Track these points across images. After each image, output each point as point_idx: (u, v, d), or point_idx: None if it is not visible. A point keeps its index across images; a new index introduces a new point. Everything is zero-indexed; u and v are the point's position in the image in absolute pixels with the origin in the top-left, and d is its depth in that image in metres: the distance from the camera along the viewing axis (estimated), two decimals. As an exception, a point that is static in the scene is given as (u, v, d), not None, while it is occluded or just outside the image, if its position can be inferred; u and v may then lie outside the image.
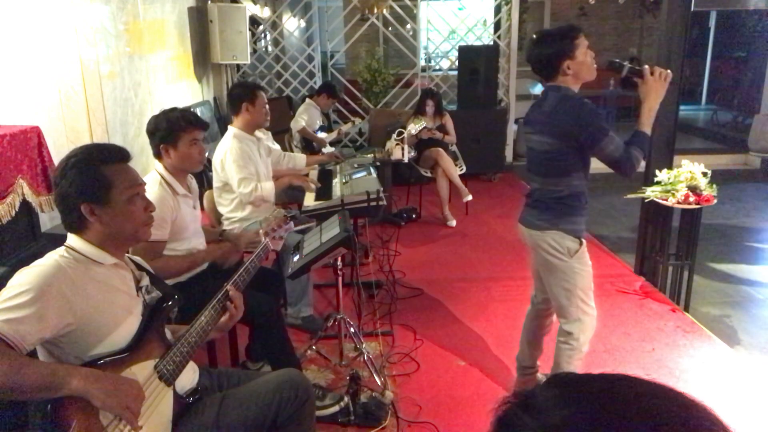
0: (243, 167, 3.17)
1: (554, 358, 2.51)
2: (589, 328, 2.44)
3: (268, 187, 3.23)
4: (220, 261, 2.53)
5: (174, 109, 2.49)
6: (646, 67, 2.24)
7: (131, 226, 1.61)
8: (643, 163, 2.23)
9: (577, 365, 2.47)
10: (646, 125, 2.23)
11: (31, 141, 2.60)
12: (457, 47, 7.31)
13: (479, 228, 5.23)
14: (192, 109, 5.49)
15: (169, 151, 2.42)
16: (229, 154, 3.18)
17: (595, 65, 2.28)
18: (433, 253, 4.66)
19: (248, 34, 6.48)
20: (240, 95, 3.30)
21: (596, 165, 2.28)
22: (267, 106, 3.38)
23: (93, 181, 1.54)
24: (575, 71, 2.23)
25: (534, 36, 2.33)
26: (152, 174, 2.43)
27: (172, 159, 2.43)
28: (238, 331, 2.79)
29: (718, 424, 0.54)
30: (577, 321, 2.41)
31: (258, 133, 4.26)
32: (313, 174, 4.05)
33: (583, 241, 2.35)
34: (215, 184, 3.32)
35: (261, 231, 2.15)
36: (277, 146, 4.48)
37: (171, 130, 2.40)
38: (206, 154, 2.56)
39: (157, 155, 2.45)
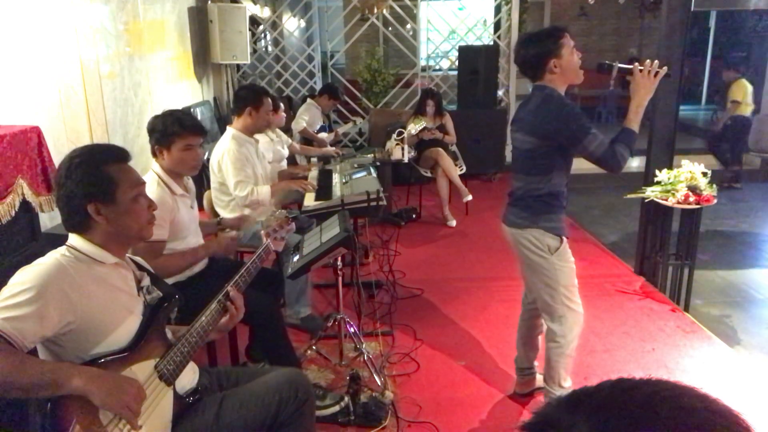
0: (240, 170, 3.17)
1: (545, 357, 2.53)
2: (576, 325, 2.45)
3: (264, 191, 3.23)
4: (219, 254, 2.54)
5: (173, 112, 2.49)
6: (636, 64, 2.24)
7: (137, 225, 1.63)
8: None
9: (567, 362, 2.48)
10: (634, 122, 2.24)
11: (31, 141, 2.60)
12: (457, 47, 7.31)
13: (479, 228, 5.23)
14: (192, 109, 5.54)
15: (163, 153, 2.44)
16: (227, 155, 3.18)
17: (582, 69, 2.28)
18: (433, 253, 4.66)
19: (248, 34, 6.48)
20: (246, 98, 3.31)
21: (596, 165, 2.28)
22: (271, 113, 3.40)
23: (99, 181, 1.55)
24: (562, 70, 2.24)
25: (519, 38, 2.36)
26: (149, 174, 2.43)
27: (166, 161, 2.45)
28: (238, 332, 2.79)
29: (730, 417, 0.54)
30: (562, 318, 2.42)
31: (271, 134, 4.28)
32: (313, 174, 4.06)
33: (564, 238, 2.36)
34: (213, 184, 3.32)
35: (263, 232, 2.15)
36: (285, 151, 4.50)
37: (165, 132, 2.41)
38: (205, 156, 2.57)
39: (153, 155, 2.47)
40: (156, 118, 2.47)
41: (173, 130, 2.40)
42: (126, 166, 1.64)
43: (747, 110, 7.07)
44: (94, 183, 1.54)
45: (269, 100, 3.36)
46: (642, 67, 2.22)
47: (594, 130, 2.17)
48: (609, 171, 2.22)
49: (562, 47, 2.22)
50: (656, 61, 2.22)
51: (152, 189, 2.33)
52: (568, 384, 2.49)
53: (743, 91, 7.01)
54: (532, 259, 2.39)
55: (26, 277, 1.41)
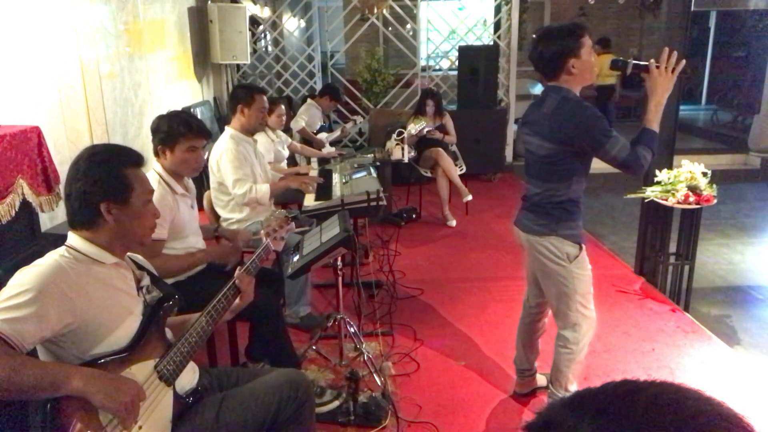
0: (238, 168, 3.17)
1: (553, 362, 2.49)
2: (588, 333, 2.42)
3: (263, 190, 3.22)
4: (220, 262, 2.53)
5: (179, 113, 2.51)
6: (652, 61, 2.15)
7: (141, 230, 1.65)
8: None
9: (576, 368, 2.46)
10: (654, 122, 2.16)
11: (31, 141, 2.60)
12: (457, 47, 7.31)
13: (479, 228, 5.23)
14: (192, 109, 5.54)
15: (166, 153, 2.45)
16: (225, 154, 3.19)
17: (596, 68, 2.23)
18: (433, 253, 4.66)
19: (248, 34, 6.48)
20: (237, 97, 3.31)
21: (597, 164, 2.26)
22: (265, 111, 3.38)
23: (117, 181, 1.58)
24: (579, 71, 2.15)
25: (538, 32, 2.24)
26: (151, 173, 2.44)
27: (168, 161, 2.46)
28: (238, 331, 2.79)
29: (734, 420, 0.54)
30: (576, 326, 2.38)
31: (271, 135, 4.27)
32: (313, 173, 4.06)
33: (583, 246, 2.31)
34: (212, 184, 3.32)
35: (262, 231, 2.15)
36: (286, 152, 4.49)
37: (170, 133, 2.42)
38: (205, 157, 2.58)
39: (155, 154, 2.48)
40: (161, 118, 2.48)
41: (179, 131, 2.41)
42: (141, 171, 1.67)
43: (610, 80, 7.95)
44: (112, 182, 1.57)
45: (262, 97, 3.33)
46: (659, 64, 2.12)
47: (615, 133, 2.09)
48: (631, 174, 2.16)
49: (582, 47, 2.13)
50: (675, 53, 2.12)
51: (153, 188, 2.34)
52: (573, 388, 2.45)
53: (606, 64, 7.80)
54: (549, 266, 2.32)
55: (25, 278, 1.41)
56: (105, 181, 1.56)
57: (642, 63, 2.20)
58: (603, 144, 2.09)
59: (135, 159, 1.66)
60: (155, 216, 1.71)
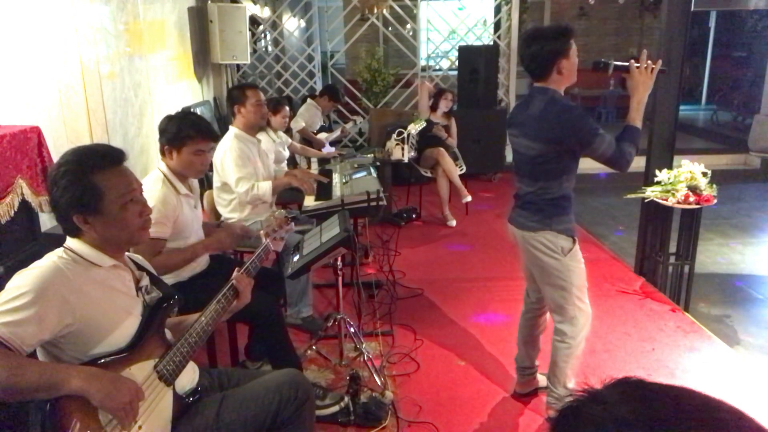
0: (241, 167, 3.19)
1: (551, 357, 2.51)
2: (585, 326, 2.45)
3: (265, 187, 3.23)
4: (218, 250, 2.52)
5: (189, 115, 2.51)
6: (632, 61, 2.24)
7: (126, 233, 1.59)
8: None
9: (574, 363, 2.47)
10: (636, 119, 2.24)
11: (31, 141, 2.60)
12: (457, 47, 7.32)
13: (479, 228, 5.23)
14: (192, 109, 5.54)
15: (173, 153, 2.44)
16: (229, 153, 3.20)
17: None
18: (433, 253, 4.66)
19: (248, 34, 6.48)
20: (232, 99, 3.36)
21: (596, 165, 2.29)
22: (263, 104, 3.38)
23: (83, 192, 1.50)
24: (567, 72, 2.21)
25: (527, 33, 2.28)
26: (155, 172, 2.45)
27: (174, 162, 2.45)
28: (237, 331, 2.79)
29: None
30: (573, 319, 2.40)
31: (273, 135, 4.28)
32: (314, 172, 4.06)
33: (576, 238, 2.36)
34: (215, 184, 3.33)
35: (262, 232, 2.15)
36: (286, 152, 4.49)
37: (178, 135, 2.41)
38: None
39: (162, 153, 2.48)
40: (171, 118, 2.47)
41: (187, 134, 2.40)
42: (118, 170, 1.57)
43: None
44: (78, 194, 1.49)
45: (255, 91, 3.34)
46: (638, 64, 2.21)
47: (602, 131, 2.16)
48: (617, 170, 2.23)
49: (570, 48, 2.19)
50: (658, 60, 2.21)
51: (157, 187, 2.35)
52: (572, 385, 2.46)
53: None
54: (544, 261, 2.36)
55: (23, 280, 1.41)
56: (71, 194, 1.49)
57: (622, 64, 2.28)
58: (591, 142, 2.16)
59: (108, 160, 1.56)
60: (142, 215, 1.62)
